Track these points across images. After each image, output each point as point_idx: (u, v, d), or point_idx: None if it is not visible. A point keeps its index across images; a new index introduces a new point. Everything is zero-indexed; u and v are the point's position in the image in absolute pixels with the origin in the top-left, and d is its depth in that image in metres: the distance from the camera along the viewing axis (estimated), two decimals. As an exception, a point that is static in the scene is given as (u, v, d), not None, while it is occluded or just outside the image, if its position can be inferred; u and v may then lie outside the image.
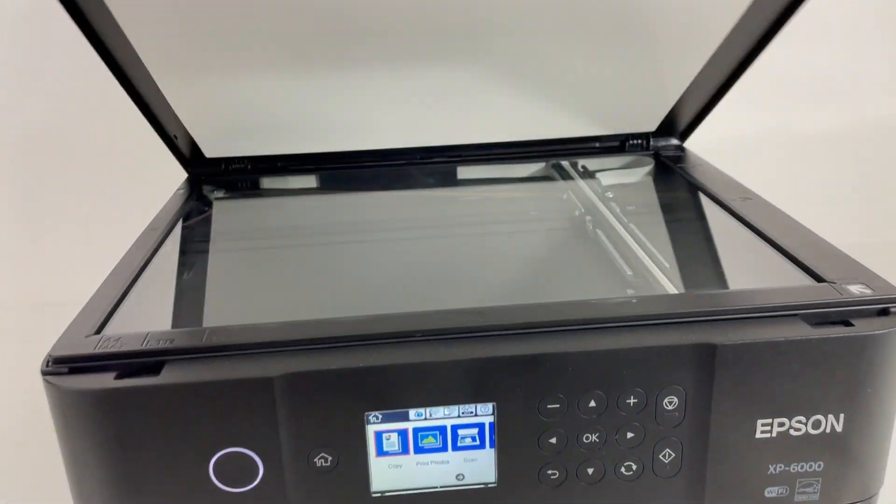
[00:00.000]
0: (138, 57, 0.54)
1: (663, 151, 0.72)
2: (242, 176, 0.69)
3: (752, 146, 0.93)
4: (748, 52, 0.60)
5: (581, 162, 0.72)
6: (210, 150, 0.67)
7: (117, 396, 0.37)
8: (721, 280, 0.50)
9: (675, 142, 0.74)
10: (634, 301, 0.42)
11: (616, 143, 0.73)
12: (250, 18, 0.53)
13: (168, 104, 0.59)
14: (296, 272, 0.52)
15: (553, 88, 0.65)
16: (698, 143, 0.74)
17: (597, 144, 0.73)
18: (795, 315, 0.41)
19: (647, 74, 0.62)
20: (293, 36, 0.56)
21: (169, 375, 0.38)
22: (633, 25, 0.57)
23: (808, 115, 0.93)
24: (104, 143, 0.86)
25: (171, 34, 0.53)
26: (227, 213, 0.63)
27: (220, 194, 0.68)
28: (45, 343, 0.40)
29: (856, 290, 0.42)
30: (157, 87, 0.58)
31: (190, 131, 0.63)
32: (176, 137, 0.65)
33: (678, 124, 0.71)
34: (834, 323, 0.40)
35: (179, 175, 0.69)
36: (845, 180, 0.95)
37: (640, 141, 0.73)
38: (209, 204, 0.66)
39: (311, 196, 0.68)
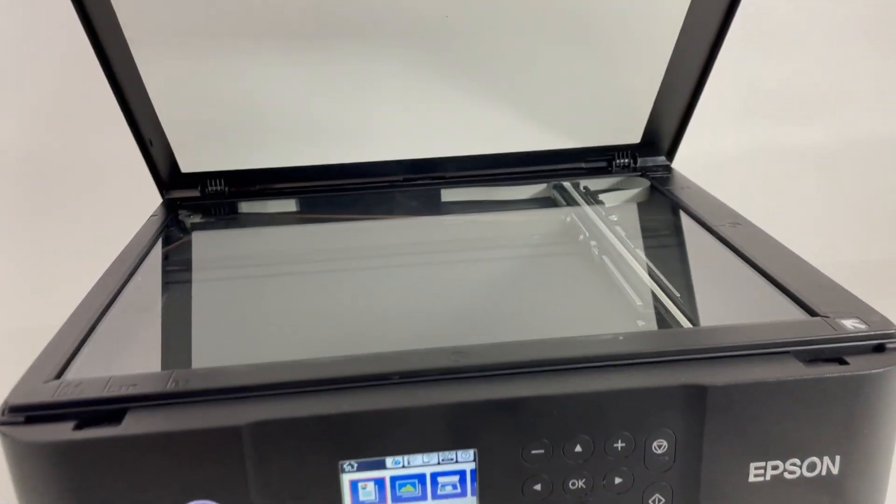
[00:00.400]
0: (130, 54, 0.56)
1: (651, 172, 0.70)
2: (219, 199, 0.68)
3: (739, 163, 0.92)
4: (707, 55, 0.63)
5: (580, 182, 0.71)
6: (187, 164, 0.65)
7: (76, 448, 0.35)
8: (711, 312, 0.48)
9: (662, 160, 0.72)
10: (621, 338, 0.40)
11: (603, 163, 0.72)
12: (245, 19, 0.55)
13: (149, 101, 0.59)
14: (271, 305, 0.50)
15: (533, 99, 0.66)
16: (686, 160, 0.73)
17: (583, 165, 0.72)
18: (788, 352, 0.39)
19: (617, 80, 0.65)
20: (278, 40, 0.58)
21: (131, 425, 0.36)
22: (593, 33, 0.61)
23: (795, 132, 0.92)
24: (79, 165, 0.84)
25: (160, 23, 0.55)
26: (202, 242, 0.61)
27: (196, 219, 0.66)
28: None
29: (850, 324, 0.40)
30: (142, 82, 0.59)
31: (167, 134, 0.62)
32: (151, 143, 0.63)
33: (662, 138, 0.70)
34: (828, 360, 0.39)
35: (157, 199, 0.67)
36: (833, 197, 0.94)
37: (627, 160, 0.72)
38: (185, 230, 0.64)
39: (288, 223, 0.66)
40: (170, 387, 0.37)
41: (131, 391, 0.37)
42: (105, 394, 0.37)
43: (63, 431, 0.35)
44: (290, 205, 0.68)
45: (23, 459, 0.36)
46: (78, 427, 0.36)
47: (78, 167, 0.84)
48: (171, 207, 0.66)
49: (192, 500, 0.36)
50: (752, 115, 0.91)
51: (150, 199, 0.69)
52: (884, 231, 0.95)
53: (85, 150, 0.83)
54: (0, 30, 0.79)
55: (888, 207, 0.95)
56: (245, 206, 0.68)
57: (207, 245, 0.61)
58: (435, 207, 0.68)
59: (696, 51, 0.63)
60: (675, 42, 0.63)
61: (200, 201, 0.67)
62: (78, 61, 0.76)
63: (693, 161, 0.74)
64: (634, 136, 0.71)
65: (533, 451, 0.37)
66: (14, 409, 0.36)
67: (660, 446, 0.38)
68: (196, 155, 0.65)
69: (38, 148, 0.83)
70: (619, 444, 0.38)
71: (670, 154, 0.72)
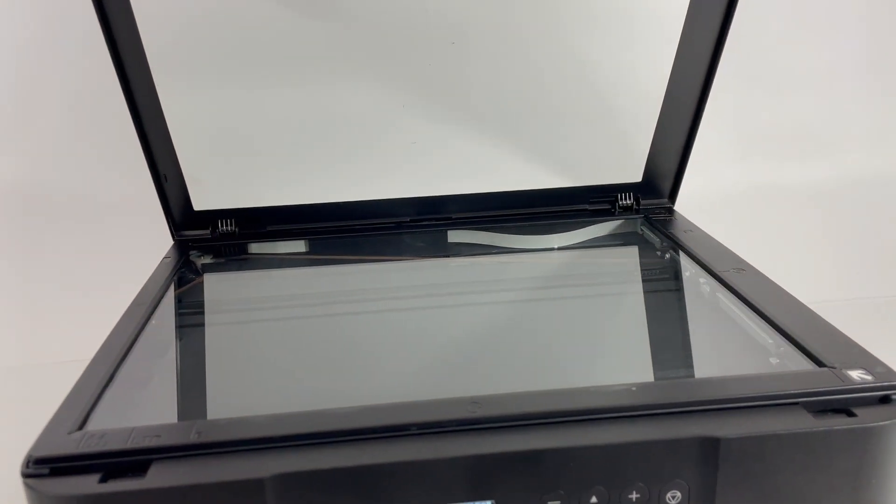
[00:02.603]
0: (152, 82, 0.59)
1: (654, 214, 0.72)
2: (230, 241, 0.69)
3: (737, 201, 0.93)
4: (699, 92, 0.67)
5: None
6: (199, 202, 0.66)
7: (102, 501, 0.36)
8: (719, 362, 0.49)
9: (665, 202, 0.74)
10: (634, 389, 0.41)
11: (607, 205, 0.74)
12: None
13: (168, 133, 0.61)
14: (284, 350, 0.50)
15: (537, 138, 0.68)
16: (685, 197, 0.74)
17: (587, 206, 0.74)
18: (797, 403, 0.40)
19: (616, 119, 0.67)
20: (295, 77, 0.61)
21: (155, 477, 0.36)
22: (590, 71, 0.64)
23: (793, 170, 0.94)
24: (94, 203, 0.85)
25: (183, 54, 0.58)
26: (214, 284, 0.62)
27: (206, 260, 0.67)
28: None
29: (856, 375, 0.41)
30: (162, 113, 0.60)
31: (183, 167, 0.63)
32: (166, 178, 0.64)
33: (662, 178, 0.72)
34: (836, 411, 0.40)
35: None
36: (832, 234, 0.95)
37: (630, 202, 0.73)
38: (196, 271, 0.65)
39: (299, 265, 0.67)
40: (193, 438, 0.38)
41: (155, 443, 0.38)
42: (129, 446, 0.37)
43: (89, 484, 0.36)
44: (299, 245, 0.69)
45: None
46: (103, 480, 0.36)
47: (85, 202, 0.85)
48: (182, 248, 0.67)
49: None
50: (751, 153, 0.93)
51: (154, 235, 0.70)
52: (884, 269, 0.96)
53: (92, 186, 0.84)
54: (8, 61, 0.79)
55: (888, 245, 0.97)
56: (255, 247, 0.69)
57: (220, 287, 0.62)
58: (443, 249, 0.69)
59: (688, 88, 0.66)
60: (667, 80, 0.65)
61: (211, 242, 0.68)
62: (90, 95, 0.78)
63: (691, 199, 0.76)
64: (635, 175, 0.72)
65: (549, 503, 0.38)
66: (39, 462, 0.37)
67: (674, 497, 0.39)
68: (208, 192, 0.66)
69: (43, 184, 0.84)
70: (634, 496, 0.38)
71: (672, 195, 0.74)
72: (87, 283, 0.84)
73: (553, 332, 0.52)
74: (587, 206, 0.73)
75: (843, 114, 0.92)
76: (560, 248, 0.71)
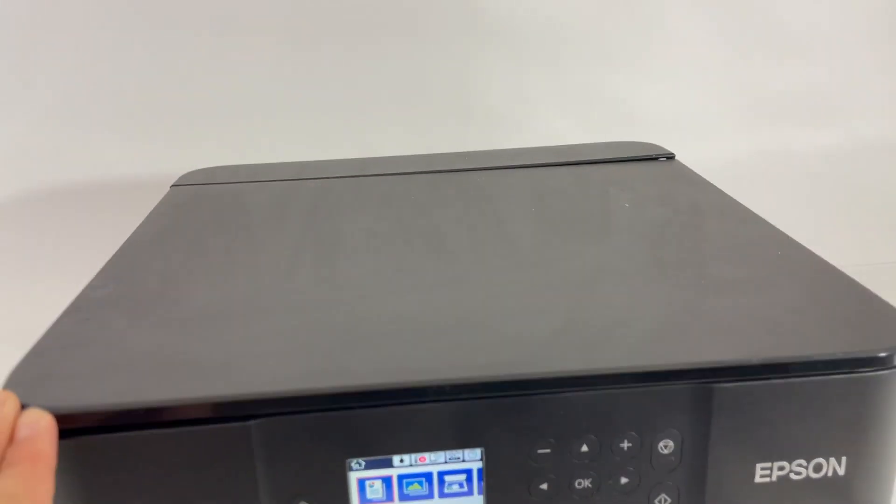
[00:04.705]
0: None
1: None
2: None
3: (749, 167, 0.91)
4: None
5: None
6: None
7: (87, 448, 0.35)
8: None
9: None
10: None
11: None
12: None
13: None
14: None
15: None
16: (694, 164, 0.73)
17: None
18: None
19: None
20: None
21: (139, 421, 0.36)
22: None
23: (809, 136, 0.92)
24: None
25: None
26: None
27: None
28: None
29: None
30: None
31: None
32: None
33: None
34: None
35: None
36: (843, 200, 0.94)
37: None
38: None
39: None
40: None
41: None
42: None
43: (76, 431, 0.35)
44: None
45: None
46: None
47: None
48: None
49: (202, 499, 0.36)
50: (760, 118, 0.91)
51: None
52: (892, 234, 0.94)
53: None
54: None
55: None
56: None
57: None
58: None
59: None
60: None
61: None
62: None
63: (696, 165, 0.74)
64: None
65: (540, 451, 0.38)
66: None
67: (666, 446, 0.38)
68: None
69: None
70: (626, 445, 0.38)
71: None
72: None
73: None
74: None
75: (855, 78, 0.90)
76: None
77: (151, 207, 0.63)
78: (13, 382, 0.37)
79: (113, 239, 0.56)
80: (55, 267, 0.84)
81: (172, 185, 0.69)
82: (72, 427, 0.35)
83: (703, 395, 0.37)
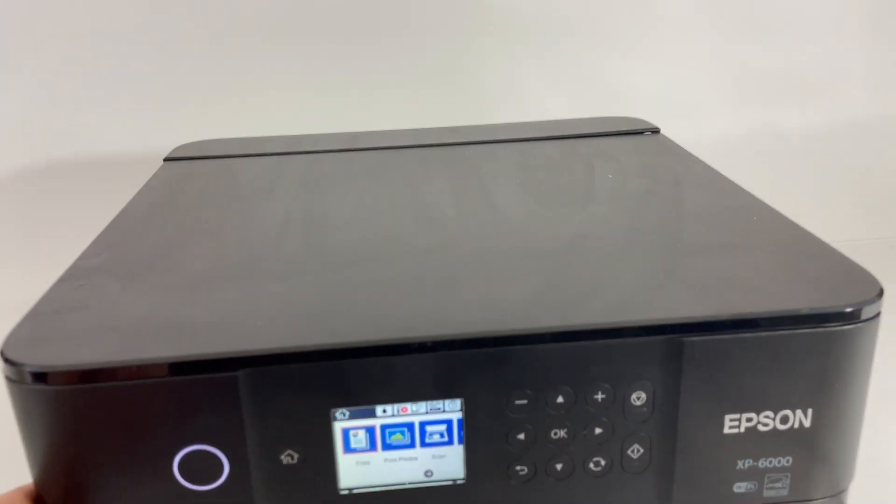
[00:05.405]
0: None
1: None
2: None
3: (738, 144, 0.93)
4: None
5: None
6: None
7: (77, 395, 0.37)
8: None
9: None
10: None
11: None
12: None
13: None
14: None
15: None
16: (682, 142, 0.74)
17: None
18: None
19: None
20: None
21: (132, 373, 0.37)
22: None
23: (794, 114, 0.93)
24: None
25: None
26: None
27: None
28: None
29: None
30: None
31: None
32: None
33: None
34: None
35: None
36: (827, 178, 0.95)
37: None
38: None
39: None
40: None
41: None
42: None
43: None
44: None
45: (29, 404, 0.37)
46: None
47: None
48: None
49: (190, 445, 0.38)
50: (747, 97, 0.92)
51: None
52: (877, 211, 0.96)
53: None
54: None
55: (882, 188, 0.96)
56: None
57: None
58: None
59: None
60: None
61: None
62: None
63: (686, 144, 0.75)
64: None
65: (517, 402, 0.39)
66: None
67: (638, 398, 0.39)
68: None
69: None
70: (600, 396, 0.39)
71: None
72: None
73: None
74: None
75: (844, 56, 0.91)
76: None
77: (144, 181, 0.65)
78: (9, 345, 0.38)
79: (106, 212, 0.58)
80: (50, 240, 0.85)
81: (165, 159, 0.71)
82: (67, 383, 0.36)
83: (673, 348, 0.39)
